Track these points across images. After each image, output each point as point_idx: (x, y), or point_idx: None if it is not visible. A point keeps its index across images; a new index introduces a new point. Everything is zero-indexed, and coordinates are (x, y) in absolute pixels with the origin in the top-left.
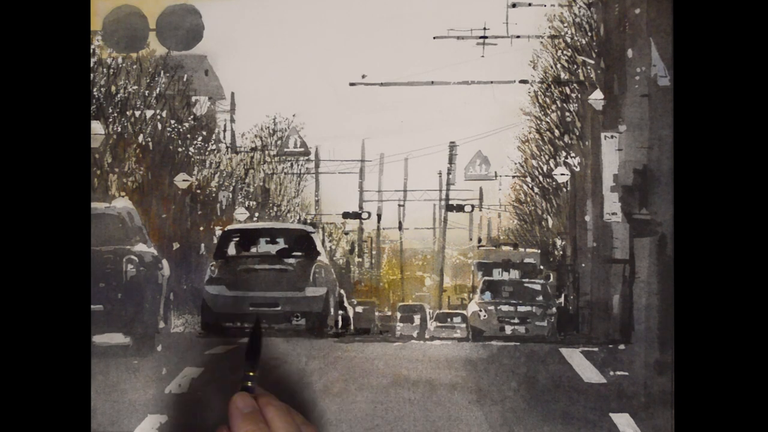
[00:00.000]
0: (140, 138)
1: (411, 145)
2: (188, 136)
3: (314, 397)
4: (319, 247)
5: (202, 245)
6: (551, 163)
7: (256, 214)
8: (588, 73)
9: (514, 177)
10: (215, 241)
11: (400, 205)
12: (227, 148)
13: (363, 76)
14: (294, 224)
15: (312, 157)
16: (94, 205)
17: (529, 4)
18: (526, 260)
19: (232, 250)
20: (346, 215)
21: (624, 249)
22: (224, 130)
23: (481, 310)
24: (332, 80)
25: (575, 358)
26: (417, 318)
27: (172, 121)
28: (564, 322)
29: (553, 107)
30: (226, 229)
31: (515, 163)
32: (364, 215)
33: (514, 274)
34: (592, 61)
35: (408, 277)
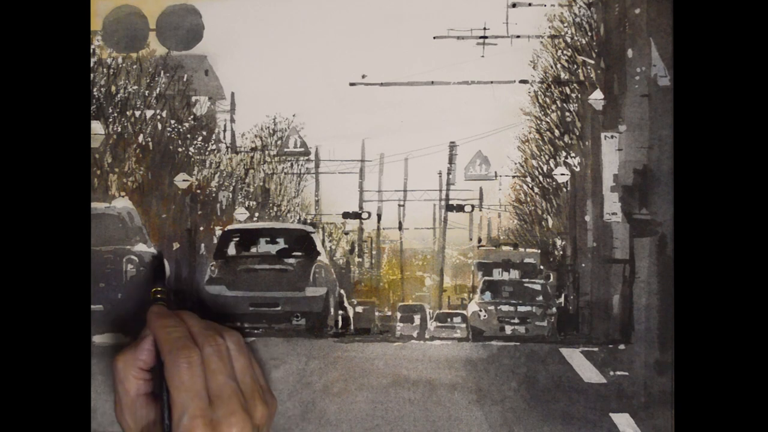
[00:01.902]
0: (140, 138)
1: (411, 145)
2: (188, 136)
3: (314, 397)
4: (319, 247)
5: (202, 245)
6: (551, 163)
7: (256, 214)
8: (588, 73)
9: (514, 177)
10: (215, 241)
11: (400, 205)
12: (227, 148)
13: (363, 76)
14: (294, 224)
15: (312, 157)
16: (94, 205)
17: (529, 4)
18: (526, 260)
19: (232, 250)
20: (346, 215)
21: (624, 249)
22: (224, 130)
23: (481, 310)
24: (332, 80)
25: (575, 358)
26: (417, 318)
27: (172, 121)
28: (564, 322)
29: (553, 107)
30: (226, 229)
31: (515, 163)
32: (364, 215)
33: (514, 274)
34: (592, 61)
35: (408, 277)
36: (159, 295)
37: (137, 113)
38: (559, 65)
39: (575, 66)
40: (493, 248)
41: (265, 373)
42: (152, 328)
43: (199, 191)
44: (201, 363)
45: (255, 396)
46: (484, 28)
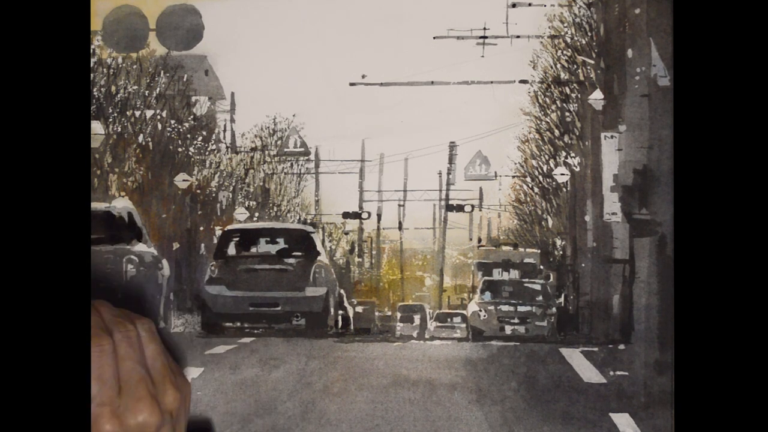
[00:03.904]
0: (140, 138)
1: (411, 145)
2: (188, 136)
3: (314, 397)
4: (319, 247)
5: (202, 245)
6: (551, 163)
7: (256, 214)
8: (588, 73)
9: (514, 177)
10: (215, 241)
11: (400, 205)
12: (227, 148)
13: (363, 76)
14: (294, 224)
15: (312, 157)
16: (94, 205)
17: (529, 4)
18: (526, 260)
19: (232, 250)
20: (346, 215)
21: (624, 249)
22: (224, 130)
23: (481, 310)
24: (332, 80)
25: (575, 358)
26: (417, 318)
27: (172, 121)
28: (564, 322)
29: (553, 107)
30: (226, 229)
31: (515, 163)
32: (364, 215)
33: (514, 274)
34: (592, 61)
35: (408, 277)
36: None
37: (137, 113)
38: (559, 65)
39: (575, 66)
40: (493, 248)
41: (180, 360)
42: None
43: (199, 191)
44: (113, 351)
45: (165, 381)
46: (484, 28)
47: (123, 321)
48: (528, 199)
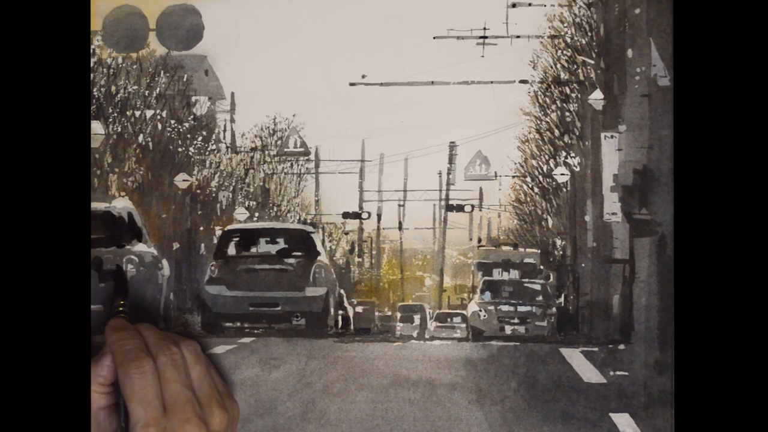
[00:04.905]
0: (140, 138)
1: (411, 145)
2: (188, 136)
3: (314, 397)
4: (319, 247)
5: (202, 245)
6: (551, 163)
7: (256, 214)
8: (588, 73)
9: (514, 177)
10: (215, 241)
11: (400, 205)
12: (227, 148)
13: (363, 76)
14: (294, 224)
15: (312, 157)
16: (94, 205)
17: (529, 4)
18: (526, 260)
19: (232, 250)
20: (346, 215)
21: (624, 249)
22: (224, 130)
23: (481, 310)
24: (332, 80)
25: (575, 358)
26: (417, 318)
27: (172, 121)
28: (564, 322)
29: (553, 107)
30: (226, 229)
31: (515, 163)
32: (364, 215)
33: (514, 274)
34: (592, 61)
35: (408, 277)
36: (120, 308)
37: (137, 113)
38: (559, 65)
39: (575, 66)
40: (493, 248)
41: (226, 380)
42: (108, 342)
43: (199, 191)
44: (155, 372)
45: (212, 403)
46: (484, 28)
47: (167, 344)
48: (528, 199)
